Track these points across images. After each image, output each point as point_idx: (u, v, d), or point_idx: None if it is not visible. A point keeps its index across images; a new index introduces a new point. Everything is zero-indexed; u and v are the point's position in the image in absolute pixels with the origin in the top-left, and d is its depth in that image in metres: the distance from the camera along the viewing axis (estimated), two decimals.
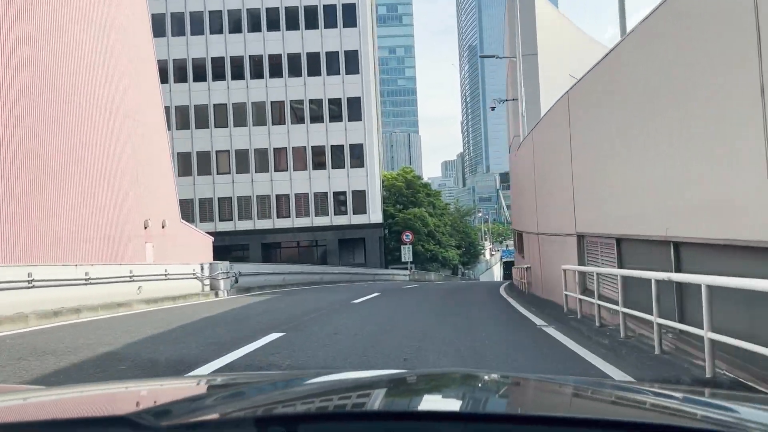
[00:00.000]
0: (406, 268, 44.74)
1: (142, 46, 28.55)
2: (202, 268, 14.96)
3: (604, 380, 3.90)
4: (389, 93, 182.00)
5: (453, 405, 1.35)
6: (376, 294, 16.42)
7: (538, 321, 9.66)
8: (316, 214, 47.05)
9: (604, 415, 1.19)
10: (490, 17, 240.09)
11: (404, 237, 44.55)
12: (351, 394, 1.39)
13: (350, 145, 47.31)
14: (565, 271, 10.04)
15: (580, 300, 9.14)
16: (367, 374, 1.77)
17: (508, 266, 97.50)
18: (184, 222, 36.02)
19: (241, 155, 47.51)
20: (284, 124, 47.39)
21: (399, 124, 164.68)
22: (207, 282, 15.08)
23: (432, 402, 1.35)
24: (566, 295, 10.03)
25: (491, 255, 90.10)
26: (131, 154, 27.03)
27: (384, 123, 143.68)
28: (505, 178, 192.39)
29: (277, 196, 47.27)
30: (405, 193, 53.67)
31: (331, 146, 47.37)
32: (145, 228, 29.10)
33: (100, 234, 23.98)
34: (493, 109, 24.27)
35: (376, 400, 1.33)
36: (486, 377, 1.67)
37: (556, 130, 11.10)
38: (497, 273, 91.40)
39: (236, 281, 16.64)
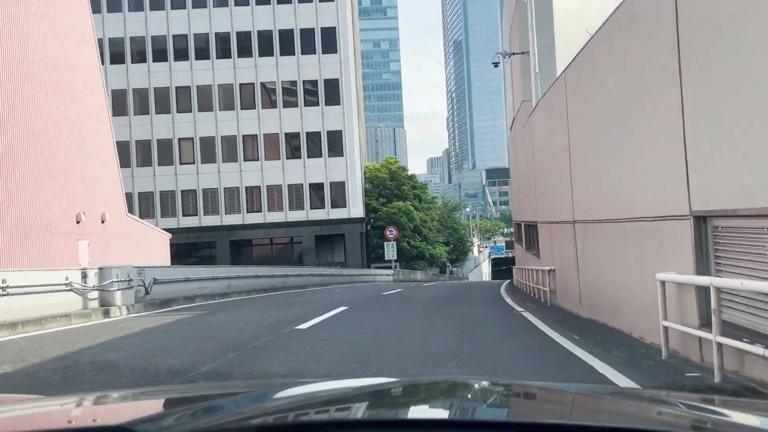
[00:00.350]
0: (391, 267, 40.14)
1: (77, 23, 23.85)
2: (84, 276, 10.17)
3: (604, 387, 3.52)
4: (374, 87, 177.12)
5: (440, 413, 1.33)
6: (340, 309, 11.77)
7: (616, 374, 5.13)
8: (291, 208, 42.28)
9: (601, 422, 1.19)
10: (475, 12, 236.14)
11: (387, 233, 39.92)
12: (341, 404, 1.38)
13: (328, 131, 42.58)
14: (663, 283, 5.45)
15: (702, 341, 4.60)
16: (357, 383, 1.78)
17: (497, 263, 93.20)
18: (133, 217, 31.08)
19: (207, 143, 42.58)
20: (255, 108, 42.54)
21: (384, 119, 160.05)
22: (94, 296, 10.34)
23: (418, 411, 1.35)
24: (666, 328, 5.45)
25: (479, 252, 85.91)
26: (65, 139, 22.48)
27: (369, 118, 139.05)
28: (491, 174, 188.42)
29: (247, 188, 42.42)
30: (389, 185, 49.02)
31: (307, 133, 42.59)
32: (78, 222, 24.40)
33: (18, 229, 19.37)
34: (496, 65, 19.81)
35: (369, 410, 1.33)
36: (476, 385, 1.66)
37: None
38: (485, 271, 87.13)
39: (147, 292, 11.93)
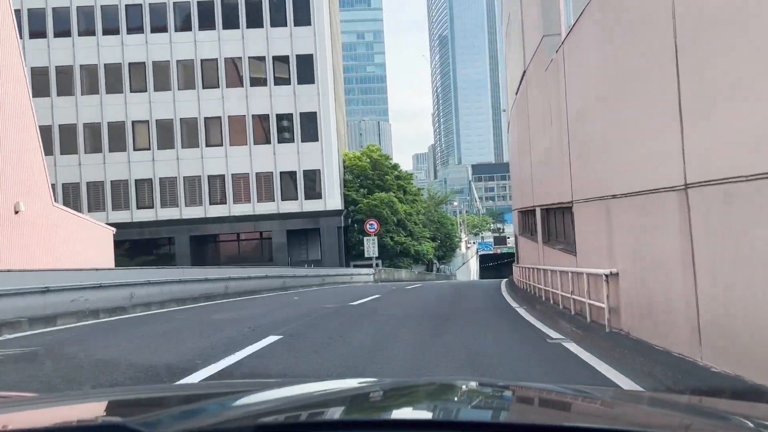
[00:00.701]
0: (371, 266, 35.44)
1: None
2: None
3: (604, 389, 3.17)
4: (358, 80, 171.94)
5: (438, 414, 1.32)
6: (251, 349, 6.97)
7: None
8: (260, 200, 37.37)
9: (596, 424, 1.18)
10: (461, 6, 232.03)
11: (368, 226, 35.20)
12: (339, 404, 1.38)
13: (301, 113, 37.70)
14: None
15: None
16: (356, 383, 1.80)
17: (484, 260, 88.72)
18: (63, 208, 26.07)
19: (165, 126, 37.54)
20: (218, 87, 37.56)
21: (368, 112, 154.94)
22: None
23: (417, 412, 1.36)
24: None
25: (467, 248, 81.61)
26: None
27: (353, 111, 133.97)
28: (477, 169, 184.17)
29: (210, 177, 37.43)
30: (370, 175, 44.23)
31: (278, 115, 37.68)
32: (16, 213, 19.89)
33: None
34: None
35: (369, 410, 1.34)
36: (464, 386, 1.65)
37: None
38: (473, 268, 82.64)
39: None
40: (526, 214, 17.50)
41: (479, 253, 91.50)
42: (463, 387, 1.62)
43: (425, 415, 1.31)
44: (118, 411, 1.46)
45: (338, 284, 28.45)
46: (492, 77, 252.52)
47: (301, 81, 37.60)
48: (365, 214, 39.87)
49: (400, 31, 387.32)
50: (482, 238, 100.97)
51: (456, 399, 1.48)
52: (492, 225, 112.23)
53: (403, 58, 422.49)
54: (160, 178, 37.43)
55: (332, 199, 37.56)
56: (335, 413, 1.27)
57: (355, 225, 41.09)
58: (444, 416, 1.27)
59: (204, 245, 38.14)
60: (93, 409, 1.46)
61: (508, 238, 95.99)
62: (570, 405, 1.41)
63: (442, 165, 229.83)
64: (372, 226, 34.92)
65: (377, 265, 37.07)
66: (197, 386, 2.68)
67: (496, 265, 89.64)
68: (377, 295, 16.46)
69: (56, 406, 1.49)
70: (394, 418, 1.23)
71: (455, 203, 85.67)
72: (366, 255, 34.75)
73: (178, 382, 5.05)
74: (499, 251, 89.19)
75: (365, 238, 34.91)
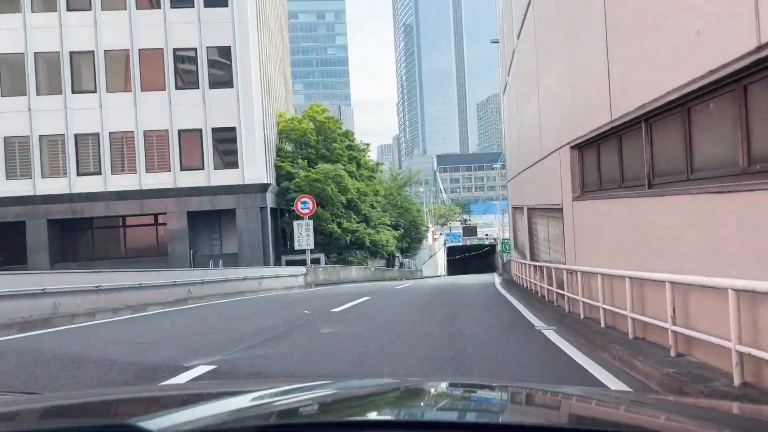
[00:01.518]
0: (313, 262, 24.69)
1: None
2: None
3: (598, 389, 3.07)
4: (318, 63, 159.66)
5: (438, 415, 1.30)
6: None
7: None
8: (149, 169, 26.13)
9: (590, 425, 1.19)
10: None
11: (299, 205, 24.28)
12: (341, 404, 1.37)
13: (209, 47, 26.51)
14: None
15: None
16: (357, 383, 1.84)
17: (452, 252, 79.06)
18: None
19: (11, 63, 25.93)
20: (90, 9, 26.07)
21: (329, 96, 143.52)
22: None
23: (417, 412, 1.34)
24: None
25: (434, 239, 71.53)
26: None
27: (312, 96, 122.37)
28: (442, 160, 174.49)
29: (77, 136, 26.00)
30: (313, 142, 33.29)
31: (175, 50, 26.42)
32: None
33: None
34: None
35: (371, 410, 1.34)
36: (478, 389, 1.64)
37: None
38: (441, 263, 72.66)
39: None
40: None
41: (447, 245, 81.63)
42: (477, 390, 1.62)
43: (421, 416, 1.29)
44: (118, 411, 1.45)
45: (241, 295, 17.64)
46: (458, 66, 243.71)
47: (209, 3, 26.42)
48: (305, 191, 28.89)
49: (362, 18, 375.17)
50: (450, 228, 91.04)
51: (469, 401, 1.47)
52: (459, 214, 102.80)
53: (366, 46, 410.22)
54: (5, 138, 25.83)
55: (253, 168, 26.54)
56: (334, 414, 1.27)
57: (292, 208, 30.18)
58: (441, 417, 1.26)
59: (70, 234, 26.66)
60: (93, 409, 1.44)
61: (479, 227, 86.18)
62: (561, 405, 1.40)
63: (406, 156, 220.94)
64: (306, 205, 24.01)
65: (316, 262, 26.29)
66: (197, 386, 2.74)
67: (464, 257, 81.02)
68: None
69: (56, 406, 1.47)
70: (393, 419, 1.23)
71: (421, 189, 75.31)
72: (297, 246, 23.85)
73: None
74: (468, 243, 79.63)
75: (295, 223, 24.01)
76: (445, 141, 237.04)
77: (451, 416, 1.28)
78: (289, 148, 33.05)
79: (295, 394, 1.47)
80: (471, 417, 1.27)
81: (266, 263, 26.13)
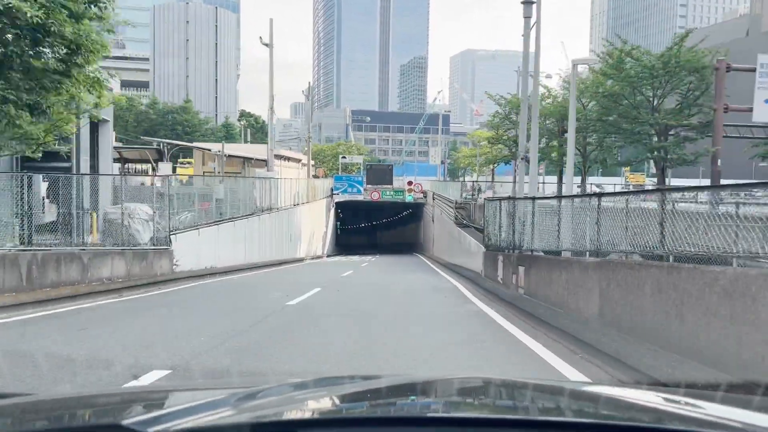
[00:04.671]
0: None
1: None
2: None
3: (598, 383, 3.29)
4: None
5: (435, 411, 1.29)
6: None
7: None
8: None
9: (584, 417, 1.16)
10: None
11: None
12: (336, 401, 1.33)
13: None
14: None
15: None
16: (352, 381, 1.72)
17: (343, 212, 36.84)
18: None
19: None
20: None
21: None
22: None
23: (413, 408, 1.32)
24: None
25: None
26: None
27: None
28: (358, 116, 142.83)
29: None
30: None
31: None
32: None
33: None
34: None
35: (365, 407, 1.29)
36: (473, 383, 1.62)
37: None
38: (317, 231, 41.79)
39: None
40: None
41: (335, 198, 41.57)
42: (473, 384, 1.57)
43: (418, 411, 1.26)
44: (116, 411, 1.40)
45: None
46: (382, 17, 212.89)
47: None
48: None
49: None
50: (340, 170, 59.79)
51: (466, 395, 1.43)
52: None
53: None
54: None
55: None
56: (331, 411, 1.23)
57: None
58: (439, 412, 1.22)
59: None
60: (92, 409, 1.41)
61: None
62: (561, 399, 1.37)
63: (319, 108, 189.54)
64: None
65: None
66: (195, 386, 2.64)
67: (367, 227, 55.16)
68: None
69: (56, 406, 1.44)
70: (390, 416, 1.19)
71: None
72: None
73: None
74: (376, 198, 42.12)
75: None
76: (363, 95, 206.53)
77: (441, 410, 1.25)
78: None
79: (285, 392, 1.45)
80: (459, 412, 1.23)
81: None
